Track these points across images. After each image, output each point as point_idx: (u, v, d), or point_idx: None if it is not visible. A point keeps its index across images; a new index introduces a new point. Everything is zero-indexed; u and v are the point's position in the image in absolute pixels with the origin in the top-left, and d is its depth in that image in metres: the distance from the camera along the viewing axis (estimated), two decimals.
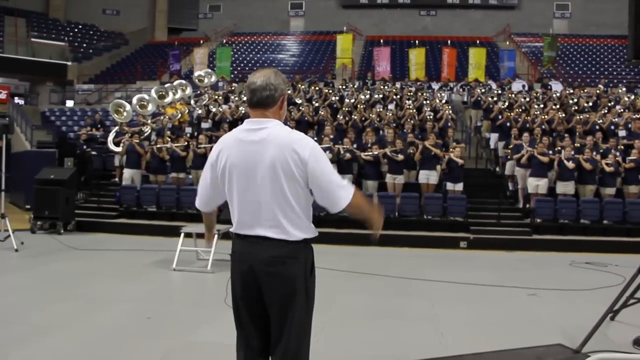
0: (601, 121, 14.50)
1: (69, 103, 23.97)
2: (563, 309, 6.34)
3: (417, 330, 5.33)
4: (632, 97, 17.06)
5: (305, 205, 2.68)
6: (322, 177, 2.60)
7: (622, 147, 13.16)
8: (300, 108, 15.38)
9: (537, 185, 12.00)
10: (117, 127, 14.32)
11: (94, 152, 15.56)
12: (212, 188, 2.81)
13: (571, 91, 17.51)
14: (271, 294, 2.63)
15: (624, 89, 18.63)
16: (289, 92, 17.12)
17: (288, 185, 2.59)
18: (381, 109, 15.77)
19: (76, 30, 30.12)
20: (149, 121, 14.79)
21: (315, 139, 13.28)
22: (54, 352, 4.50)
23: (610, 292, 7.01)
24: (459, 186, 12.21)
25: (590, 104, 16.40)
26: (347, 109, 15.71)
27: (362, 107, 15.86)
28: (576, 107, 16.03)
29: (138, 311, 5.75)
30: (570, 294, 7.12)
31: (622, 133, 13.88)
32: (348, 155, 12.38)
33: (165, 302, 6.37)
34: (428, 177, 12.32)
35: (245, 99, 17.61)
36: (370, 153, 12.40)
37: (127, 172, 13.07)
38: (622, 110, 15.61)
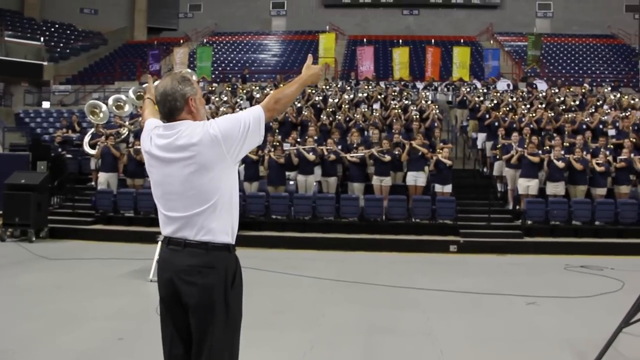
0: (588, 120, 14.29)
1: (45, 104, 23.27)
2: (566, 319, 5.98)
3: (414, 348, 4.93)
4: (618, 95, 16.92)
5: (229, 204, 2.58)
6: (236, 133, 2.52)
7: (612, 146, 12.93)
8: None
9: (527, 186, 11.69)
10: (93, 129, 13.81)
11: (69, 155, 14.98)
12: None
13: (556, 90, 17.32)
14: (190, 305, 2.52)
15: (609, 87, 18.49)
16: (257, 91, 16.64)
17: (207, 180, 2.51)
18: (366, 109, 15.42)
19: (52, 29, 29.35)
20: (127, 123, 14.28)
21: (299, 140, 12.91)
22: None
23: (611, 299, 6.77)
24: (448, 188, 11.87)
25: (577, 102, 16.20)
26: (330, 109, 15.34)
27: (346, 107, 15.49)
28: (563, 106, 15.82)
29: (109, 330, 5.27)
30: (570, 301, 6.79)
31: (611, 132, 13.65)
32: (332, 156, 11.99)
33: (139, 319, 5.85)
34: (416, 178, 11.95)
35: (225, 99, 17.04)
36: (357, 154, 12.03)
37: (102, 176, 12.52)
38: (609, 109, 15.43)
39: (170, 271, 2.55)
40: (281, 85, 17.69)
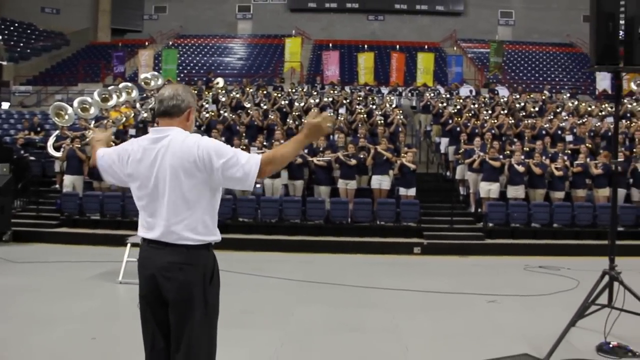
0: (547, 126, 14.77)
1: (5, 105, 22.80)
2: (524, 316, 6.26)
3: (380, 345, 5.12)
4: (576, 102, 17.51)
5: (209, 209, 2.72)
6: (223, 166, 2.61)
7: (569, 151, 13.40)
8: (249, 112, 15.04)
9: (489, 189, 12.05)
10: (57, 131, 13.66)
11: (32, 158, 14.76)
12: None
13: (517, 96, 17.82)
14: (170, 300, 2.65)
15: (567, 94, 19.11)
16: (238, 95, 16.77)
17: (189, 188, 2.64)
18: (331, 113, 15.63)
19: (12, 28, 28.71)
20: (92, 125, 14.16)
21: (266, 143, 12.99)
22: None
23: (567, 297, 7.08)
24: (412, 191, 12.13)
25: (537, 109, 16.71)
26: (297, 113, 15.49)
27: (313, 111, 15.67)
28: (523, 112, 16.30)
29: (81, 332, 5.31)
30: (529, 299, 7.08)
31: (569, 138, 14.15)
32: (299, 159, 12.14)
33: (111, 320, 5.90)
34: (380, 182, 12.19)
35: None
36: (323, 158, 12.20)
37: (68, 179, 12.42)
38: (567, 116, 15.97)
39: (151, 268, 2.68)
40: (247, 89, 17.76)
